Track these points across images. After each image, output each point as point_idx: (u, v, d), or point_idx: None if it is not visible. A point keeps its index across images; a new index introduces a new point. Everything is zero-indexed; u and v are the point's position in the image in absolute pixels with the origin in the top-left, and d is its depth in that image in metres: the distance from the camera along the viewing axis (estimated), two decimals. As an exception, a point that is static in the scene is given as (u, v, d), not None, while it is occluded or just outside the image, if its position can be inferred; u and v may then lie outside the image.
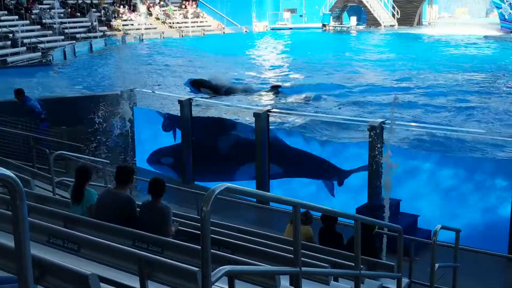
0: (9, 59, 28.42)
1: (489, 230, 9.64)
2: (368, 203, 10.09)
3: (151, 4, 47.40)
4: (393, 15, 48.67)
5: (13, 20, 34.05)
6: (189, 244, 4.86)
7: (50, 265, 2.75)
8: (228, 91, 21.66)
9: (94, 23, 39.46)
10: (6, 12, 34.42)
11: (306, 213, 6.97)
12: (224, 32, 47.75)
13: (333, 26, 48.99)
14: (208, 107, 17.60)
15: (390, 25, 47.88)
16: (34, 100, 13.02)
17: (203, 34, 45.80)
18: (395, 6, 48.58)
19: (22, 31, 32.57)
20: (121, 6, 44.89)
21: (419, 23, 50.19)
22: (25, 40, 31.46)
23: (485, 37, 40.74)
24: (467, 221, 9.93)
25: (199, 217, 8.46)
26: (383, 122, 10.11)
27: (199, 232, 5.89)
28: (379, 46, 38.61)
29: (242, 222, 8.80)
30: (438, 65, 28.53)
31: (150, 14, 46.04)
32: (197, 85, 22.54)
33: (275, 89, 22.31)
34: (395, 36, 43.19)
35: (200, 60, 32.90)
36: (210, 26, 48.51)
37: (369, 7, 48.32)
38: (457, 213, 10.16)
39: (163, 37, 42.50)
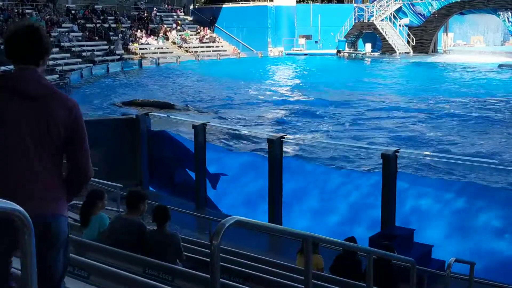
0: (27, 81, 28.80)
1: (506, 262, 9.48)
2: (381, 232, 9.97)
3: (168, 29, 47.99)
4: (408, 43, 48.78)
5: (32, 43, 34.58)
6: (200, 273, 4.83)
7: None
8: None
9: (118, 50, 40.08)
10: (25, 35, 34.97)
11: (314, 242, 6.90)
12: (239, 57, 48.18)
13: (348, 52, 49.19)
14: (219, 131, 17.62)
15: (405, 52, 47.95)
16: None
17: (219, 58, 46.26)
18: (410, 34, 48.72)
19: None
20: (139, 30, 45.50)
21: (434, 50, 50.22)
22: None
23: (500, 65, 40.62)
24: (483, 251, 9.78)
25: (209, 243, 8.44)
26: (396, 151, 10.05)
27: (209, 260, 5.87)
28: (393, 72, 38.65)
29: (254, 249, 8.73)
30: (452, 92, 28.44)
31: (167, 39, 46.60)
32: (135, 105, 23.17)
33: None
34: (409, 63, 43.21)
35: (214, 83, 33.16)
36: (225, 50, 48.98)
37: (384, 34, 48.49)
38: (473, 243, 10.02)
39: (179, 61, 42.96)
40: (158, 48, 44.75)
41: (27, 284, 1.78)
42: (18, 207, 1.71)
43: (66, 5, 43.47)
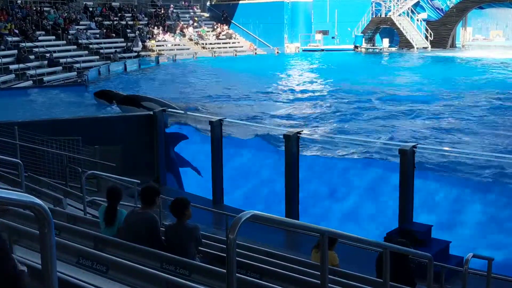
0: (46, 78, 29.14)
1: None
2: (398, 228, 9.94)
3: (185, 26, 48.12)
4: (426, 37, 48.34)
5: (50, 40, 34.97)
6: (217, 268, 4.86)
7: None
8: (122, 101, 20.97)
9: (136, 47, 40.32)
10: (43, 32, 35.37)
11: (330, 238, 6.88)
12: (256, 53, 48.17)
13: (365, 48, 48.90)
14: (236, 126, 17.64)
15: (423, 47, 47.52)
16: None
17: (235, 54, 46.30)
18: (428, 28, 48.27)
19: (58, 51, 33.44)
20: (155, 27, 45.69)
21: (453, 45, 49.70)
22: (61, 60, 32.24)
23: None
24: (503, 247, 9.71)
25: (226, 238, 8.49)
26: (414, 146, 10.00)
27: (225, 255, 5.90)
28: (411, 67, 38.36)
29: (270, 244, 8.76)
30: (470, 88, 28.16)
31: (184, 35, 46.73)
32: (105, 96, 22.31)
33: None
34: (427, 58, 42.84)
35: (229, 79, 33.21)
36: (242, 47, 48.99)
37: (401, 29, 48.11)
38: (492, 239, 9.96)
39: (195, 58, 43.08)
40: (175, 45, 44.90)
41: (47, 276, 1.82)
42: (38, 200, 1.74)
43: (84, 3, 43.78)
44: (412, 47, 47.39)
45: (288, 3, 51.28)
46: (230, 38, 49.87)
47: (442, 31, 48.20)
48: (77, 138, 12.89)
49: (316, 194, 13.39)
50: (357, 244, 7.83)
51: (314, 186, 13.43)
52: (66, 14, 39.80)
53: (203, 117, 16.29)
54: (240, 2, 54.11)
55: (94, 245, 5.19)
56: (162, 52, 42.76)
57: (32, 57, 30.86)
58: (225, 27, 51.12)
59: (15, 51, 30.16)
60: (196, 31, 47.90)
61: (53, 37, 35.63)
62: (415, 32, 48.34)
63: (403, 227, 9.88)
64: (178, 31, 46.58)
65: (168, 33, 45.79)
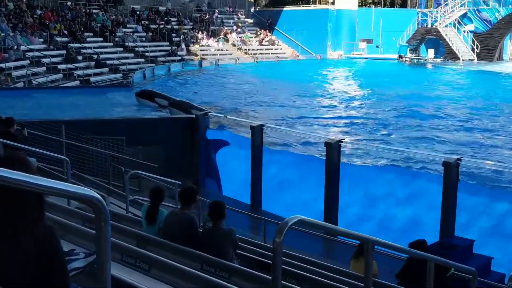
0: (92, 79, 29.80)
1: None
2: (440, 242, 9.75)
3: (229, 31, 48.50)
4: (473, 49, 47.43)
5: (98, 42, 35.77)
6: (257, 272, 4.87)
7: (127, 285, 2.83)
8: (173, 105, 20.86)
9: (180, 51, 40.85)
10: (92, 34, 36.19)
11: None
12: (298, 60, 48.16)
13: (409, 58, 48.30)
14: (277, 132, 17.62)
15: (469, 59, 46.63)
16: None
17: (277, 60, 46.41)
18: (475, 40, 47.35)
19: (105, 53, 34.17)
20: (200, 32, 46.20)
21: (500, 58, 48.59)
22: (108, 62, 32.93)
23: None
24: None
25: (264, 243, 8.48)
26: (458, 159, 9.82)
27: (264, 260, 5.91)
28: (456, 80, 37.67)
29: (308, 252, 8.71)
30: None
31: (227, 41, 47.10)
32: (146, 96, 22.55)
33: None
34: (474, 71, 41.96)
35: (271, 84, 33.26)
36: (284, 53, 49.07)
37: (447, 40, 47.33)
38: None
39: (238, 63, 43.37)
40: (218, 50, 45.30)
41: (102, 269, 1.86)
42: (96, 194, 1.79)
43: (132, 6, 44.62)
44: (458, 58, 46.55)
45: (333, 10, 51.13)
46: (273, 44, 50.00)
47: (489, 43, 47.19)
48: (121, 138, 13.11)
49: (352, 203, 13.25)
50: (395, 253, 7.73)
51: (352, 196, 13.30)
52: (114, 16, 40.65)
53: (244, 122, 16.36)
54: (284, 9, 54.25)
55: (137, 243, 5.27)
56: (205, 56, 43.21)
57: (80, 57, 31.61)
58: (268, 33, 51.30)
59: (64, 52, 30.95)
60: (239, 37, 48.22)
61: (101, 39, 36.42)
62: (461, 44, 47.49)
63: (444, 241, 9.69)
64: (221, 36, 46.99)
65: (212, 38, 46.24)
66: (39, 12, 34.83)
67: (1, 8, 32.05)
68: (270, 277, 2.69)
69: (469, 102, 27.97)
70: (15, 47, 27.71)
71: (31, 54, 28.17)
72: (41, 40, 31.17)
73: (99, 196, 1.78)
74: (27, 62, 27.80)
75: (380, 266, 7.01)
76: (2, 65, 25.09)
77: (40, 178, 1.71)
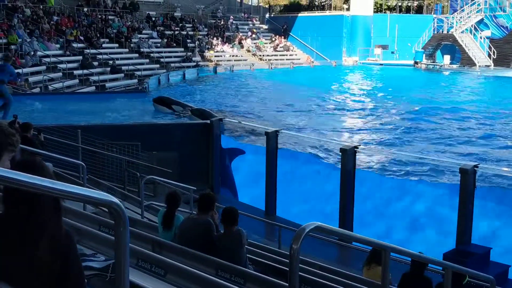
0: (108, 84, 30.01)
1: None
2: (456, 249, 9.67)
3: (244, 37, 48.62)
4: (489, 55, 47.04)
5: (113, 47, 36.03)
6: (271, 278, 4.86)
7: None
8: (194, 112, 21.00)
9: (195, 57, 41.07)
10: (107, 40, 36.47)
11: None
12: (313, 66, 48.12)
13: (425, 64, 48.02)
14: (291, 138, 17.60)
15: (486, 66, 46.25)
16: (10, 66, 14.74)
17: (292, 67, 46.42)
18: (492, 46, 46.97)
19: (121, 59, 34.41)
20: (215, 38, 46.36)
21: (517, 64, 48.17)
22: (123, 67, 33.16)
23: None
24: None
25: (278, 249, 8.46)
26: (475, 166, 9.73)
27: (278, 266, 5.89)
28: (473, 86, 37.39)
29: (323, 258, 8.67)
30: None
31: (242, 46, 47.22)
32: (163, 102, 22.67)
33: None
34: (491, 77, 41.61)
35: (286, 90, 33.26)
36: (299, 59, 49.05)
37: (464, 46, 46.99)
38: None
39: (252, 69, 43.44)
40: (233, 56, 45.41)
41: (121, 273, 1.86)
42: (115, 199, 1.80)
43: (147, 12, 44.91)
44: (474, 64, 46.20)
45: (348, 16, 51.04)
46: (288, 50, 50.03)
47: (506, 50, 46.75)
48: (136, 144, 13.19)
49: (366, 210, 13.19)
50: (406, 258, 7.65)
51: (367, 203, 13.24)
52: (129, 23, 40.93)
53: (259, 128, 16.36)
54: (299, 15, 54.27)
55: (152, 248, 5.28)
56: (220, 62, 43.33)
57: (95, 63, 31.87)
58: (283, 39, 51.34)
59: (80, 57, 31.22)
60: (254, 43, 48.32)
61: (116, 45, 36.68)
62: (478, 50, 47.12)
63: (461, 249, 9.61)
64: (236, 42, 47.12)
65: (227, 44, 46.38)
66: (55, 18, 35.18)
67: (19, 15, 32.42)
68: (285, 283, 2.69)
69: (486, 108, 27.74)
70: (32, 53, 28.00)
71: (47, 59, 28.45)
72: (58, 46, 31.47)
73: (118, 201, 1.79)
74: (43, 67, 28.08)
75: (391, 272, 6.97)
76: (20, 70, 25.38)
77: (60, 183, 1.72)
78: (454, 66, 47.42)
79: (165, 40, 41.44)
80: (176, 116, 21.60)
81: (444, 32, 48.90)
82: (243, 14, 54.64)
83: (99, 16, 39.44)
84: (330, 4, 56.44)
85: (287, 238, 7.07)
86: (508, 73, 43.13)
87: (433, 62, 48.78)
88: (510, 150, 18.81)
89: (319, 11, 54.94)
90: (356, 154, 11.30)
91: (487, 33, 47.53)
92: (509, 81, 39.77)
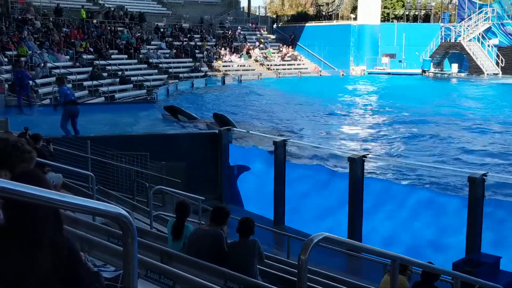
0: (117, 95, 30.17)
1: None
2: (465, 258, 9.60)
3: (251, 47, 48.80)
4: (497, 64, 46.91)
5: (122, 59, 36.27)
6: (280, 289, 4.85)
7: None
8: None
9: (203, 67, 41.28)
10: (116, 51, 36.72)
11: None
12: (320, 75, 48.18)
13: (433, 72, 47.95)
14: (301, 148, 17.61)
15: (494, 74, 46.12)
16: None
17: (300, 76, 46.50)
18: (500, 55, 46.85)
19: (130, 69, 34.61)
20: (223, 48, 46.57)
21: (526, 72, 48.00)
22: (132, 78, 33.34)
23: None
24: None
25: (287, 259, 8.45)
26: (484, 175, 9.69)
27: (287, 276, 5.88)
28: (481, 94, 37.25)
29: (331, 268, 8.64)
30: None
31: (250, 56, 47.39)
32: (172, 111, 23.09)
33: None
34: (499, 85, 41.46)
35: (294, 100, 33.30)
36: (307, 68, 49.15)
37: (471, 54, 46.91)
38: None
39: (260, 78, 43.57)
40: (241, 66, 45.58)
41: (129, 284, 1.88)
42: (123, 211, 1.82)
43: (156, 23, 45.20)
44: (482, 73, 46.09)
45: (355, 26, 51.13)
46: (295, 59, 50.16)
47: (514, 57, 46.64)
48: (145, 154, 13.24)
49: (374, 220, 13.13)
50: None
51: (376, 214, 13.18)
52: (138, 34, 41.21)
53: (267, 137, 16.37)
54: (307, 24, 54.43)
55: (161, 258, 5.30)
56: (228, 72, 43.50)
57: (105, 74, 32.06)
58: (291, 49, 51.48)
59: (90, 69, 31.43)
60: (261, 53, 48.48)
61: (125, 56, 36.92)
62: (486, 58, 47.02)
63: (470, 258, 9.55)
64: (244, 52, 47.29)
65: (235, 54, 46.57)
66: (65, 30, 35.49)
67: (29, 27, 32.72)
68: (295, 294, 2.69)
69: (495, 117, 27.61)
70: (42, 64, 28.21)
71: (57, 71, 28.65)
72: (67, 57, 31.71)
73: (126, 213, 1.81)
74: (53, 79, 28.26)
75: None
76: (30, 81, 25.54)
77: (68, 196, 1.74)
78: (462, 74, 47.32)
79: (174, 50, 41.66)
80: (186, 125, 21.84)
81: (451, 41, 48.85)
82: (250, 25, 54.87)
83: (108, 28, 39.74)
84: (337, 14, 56.64)
85: (297, 248, 7.07)
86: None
87: (441, 71, 48.71)
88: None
89: (326, 21, 55.11)
90: (364, 163, 11.28)
91: (495, 41, 47.45)
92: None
